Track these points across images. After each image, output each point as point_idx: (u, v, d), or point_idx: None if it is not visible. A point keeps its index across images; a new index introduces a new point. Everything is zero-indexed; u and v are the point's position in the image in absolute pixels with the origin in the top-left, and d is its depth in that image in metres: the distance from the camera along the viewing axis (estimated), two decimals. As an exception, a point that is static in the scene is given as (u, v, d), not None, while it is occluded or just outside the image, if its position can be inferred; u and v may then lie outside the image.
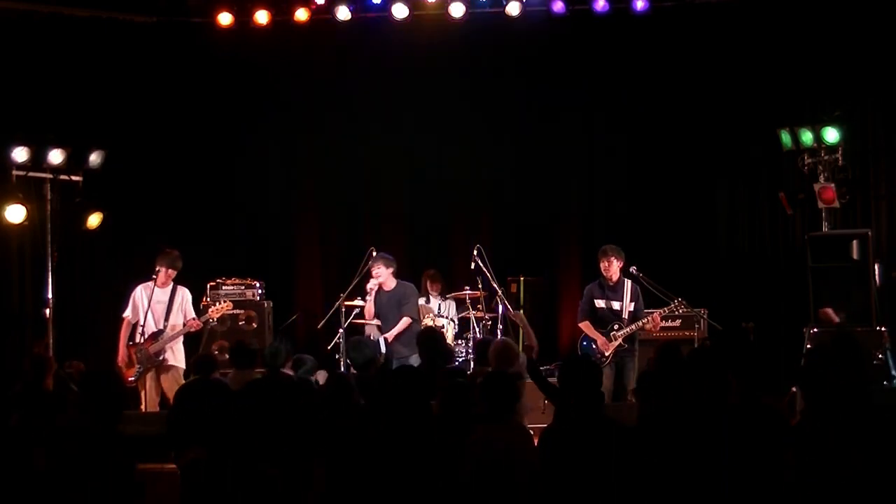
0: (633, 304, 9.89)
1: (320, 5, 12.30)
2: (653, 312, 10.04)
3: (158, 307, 9.95)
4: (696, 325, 10.78)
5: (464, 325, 11.62)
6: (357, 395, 6.27)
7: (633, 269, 10.11)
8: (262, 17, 12.35)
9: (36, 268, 11.48)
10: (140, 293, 9.98)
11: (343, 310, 10.77)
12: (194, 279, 10.54)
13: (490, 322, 11.25)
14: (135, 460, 5.69)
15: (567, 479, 5.06)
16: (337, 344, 10.68)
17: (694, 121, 12.37)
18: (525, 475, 5.26)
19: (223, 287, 11.65)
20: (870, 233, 10.70)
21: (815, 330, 10.15)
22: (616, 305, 9.88)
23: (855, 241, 10.53)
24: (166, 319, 9.93)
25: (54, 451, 5.72)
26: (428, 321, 10.88)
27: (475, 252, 10.81)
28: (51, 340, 10.69)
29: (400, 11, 12.16)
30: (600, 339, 9.73)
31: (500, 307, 10.80)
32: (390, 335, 9.94)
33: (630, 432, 5.27)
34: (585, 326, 9.92)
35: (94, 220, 11.22)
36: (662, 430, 5.23)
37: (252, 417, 5.95)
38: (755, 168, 12.28)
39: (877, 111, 11.86)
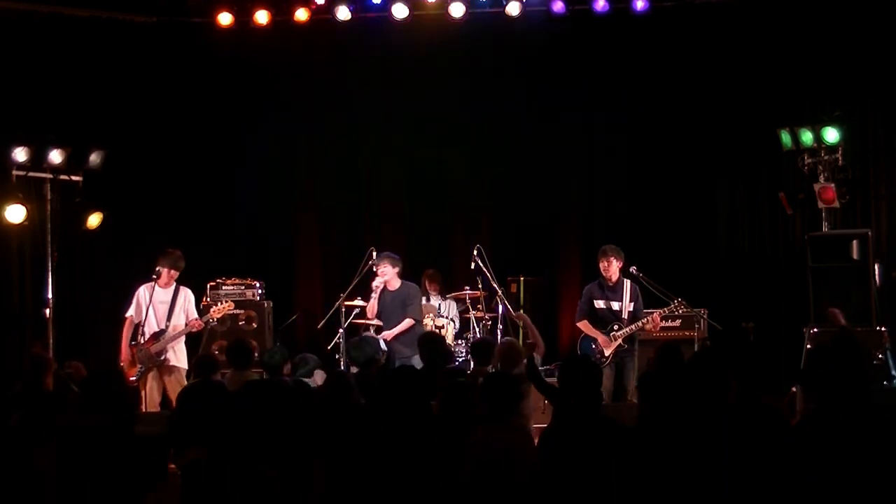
0: (632, 304, 9.89)
1: (320, 5, 12.31)
2: (653, 312, 10.04)
3: (161, 307, 9.96)
4: (696, 325, 10.78)
5: (464, 324, 11.63)
6: (357, 395, 6.27)
7: (632, 269, 10.12)
8: (262, 17, 12.35)
9: (36, 268, 11.48)
10: (143, 293, 9.98)
11: (343, 310, 10.77)
12: (194, 279, 10.53)
13: (490, 322, 11.25)
14: (164, 458, 5.75)
15: (567, 479, 5.06)
16: (337, 344, 10.68)
17: (694, 121, 12.37)
18: (525, 475, 5.26)
19: (223, 287, 11.66)
20: (870, 233, 10.71)
21: (815, 330, 10.16)
22: (616, 306, 9.88)
23: (855, 241, 10.53)
24: (168, 319, 9.93)
25: (69, 451, 5.72)
26: (428, 320, 10.88)
27: (475, 252, 10.81)
28: (51, 340, 10.69)
29: (400, 11, 12.16)
30: (601, 338, 9.73)
31: (500, 307, 10.81)
32: (390, 334, 9.94)
33: (630, 432, 5.27)
34: (584, 325, 9.92)
35: (94, 220, 11.22)
36: (662, 430, 5.22)
37: (251, 418, 5.94)
38: (755, 168, 12.28)
39: (877, 111, 11.85)
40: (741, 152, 12.25)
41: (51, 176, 10.88)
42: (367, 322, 10.92)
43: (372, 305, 10.17)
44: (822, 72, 11.82)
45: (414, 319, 10.04)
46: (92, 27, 12.41)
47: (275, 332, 11.69)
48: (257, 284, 11.77)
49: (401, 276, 10.21)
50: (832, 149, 10.92)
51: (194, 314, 10.05)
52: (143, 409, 9.73)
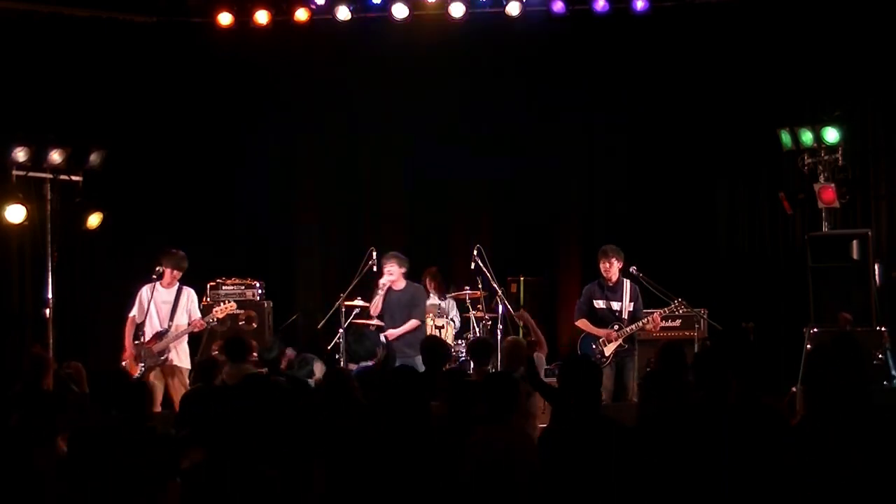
0: (632, 304, 9.89)
1: (320, 5, 12.30)
2: (653, 312, 10.04)
3: (164, 307, 9.99)
4: (696, 325, 10.77)
5: (464, 324, 11.62)
6: (356, 392, 6.26)
7: (632, 269, 10.11)
8: (262, 17, 12.35)
9: (36, 268, 11.47)
10: (145, 293, 10.00)
11: (343, 310, 10.77)
12: (194, 279, 10.54)
13: (490, 322, 11.25)
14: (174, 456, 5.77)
15: (567, 479, 5.06)
16: (337, 344, 10.68)
17: (694, 121, 12.37)
18: (525, 476, 5.25)
19: (223, 287, 11.66)
20: (870, 233, 10.71)
21: (815, 330, 10.16)
22: (616, 306, 9.88)
23: (855, 241, 10.53)
24: (171, 319, 9.96)
25: (82, 450, 5.73)
26: (428, 320, 10.87)
27: (475, 252, 10.80)
28: (51, 340, 10.69)
29: (400, 11, 12.16)
30: (602, 332, 9.72)
31: (500, 307, 10.80)
32: (395, 333, 9.92)
33: (630, 432, 5.27)
34: (583, 324, 9.92)
35: (94, 220, 11.21)
36: (662, 430, 5.22)
37: (251, 418, 5.94)
38: (755, 168, 12.28)
39: (877, 111, 11.86)
40: (741, 152, 12.25)
41: (51, 176, 10.87)
42: (368, 322, 10.91)
43: (376, 303, 10.14)
44: (822, 72, 11.82)
45: (420, 321, 10.04)
46: (92, 27, 12.41)
47: (275, 332, 11.68)
48: (257, 284, 11.77)
49: (406, 276, 10.20)
50: (832, 149, 10.92)
51: (197, 314, 10.06)
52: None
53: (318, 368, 9.22)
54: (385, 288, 10.06)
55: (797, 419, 5.59)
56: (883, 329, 10.05)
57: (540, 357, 8.58)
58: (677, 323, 10.99)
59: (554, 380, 7.66)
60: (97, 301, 12.29)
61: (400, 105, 12.92)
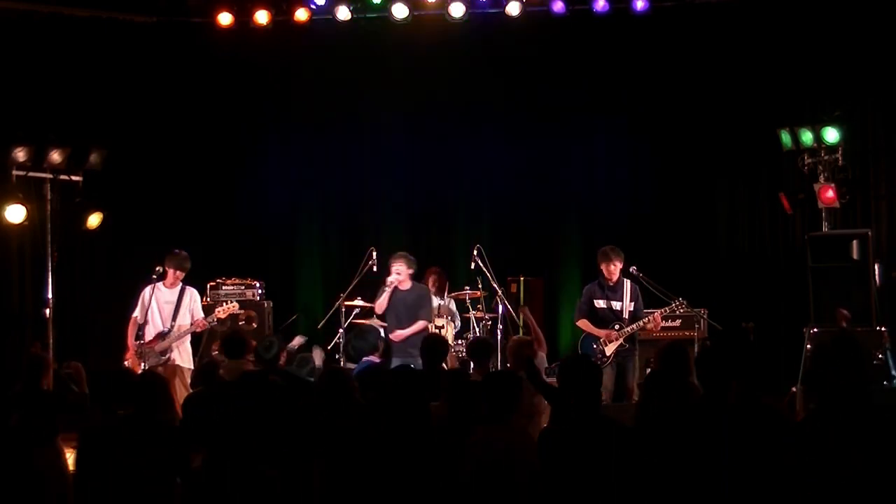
0: (632, 304, 9.88)
1: (320, 5, 12.30)
2: (653, 312, 10.03)
3: (166, 307, 10.00)
4: (696, 325, 10.78)
5: (464, 325, 11.62)
6: (355, 392, 6.25)
7: (632, 269, 10.11)
8: (262, 17, 12.34)
9: (36, 268, 11.48)
10: (148, 293, 10.01)
11: (343, 310, 10.77)
12: (194, 279, 10.53)
13: (490, 322, 11.25)
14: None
15: (566, 479, 5.06)
16: (337, 344, 10.68)
17: (694, 121, 12.38)
18: (525, 476, 5.25)
19: (223, 287, 11.67)
20: (870, 233, 10.72)
21: (815, 330, 10.16)
22: (616, 305, 9.87)
23: (855, 241, 10.54)
24: (173, 319, 9.97)
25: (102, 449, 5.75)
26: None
27: (475, 252, 10.80)
28: (51, 340, 10.69)
29: (400, 11, 12.15)
30: (602, 333, 9.72)
31: (500, 307, 10.80)
32: (402, 335, 9.83)
33: (630, 432, 5.26)
34: (583, 324, 9.91)
35: (94, 220, 11.21)
36: (662, 430, 5.22)
37: (250, 419, 5.96)
38: (755, 168, 12.28)
39: (877, 111, 11.86)
40: (741, 152, 12.25)
41: (51, 176, 10.86)
42: (368, 322, 10.91)
43: (382, 301, 10.06)
44: (822, 72, 11.83)
45: (427, 322, 10.04)
46: (92, 27, 12.41)
47: (275, 332, 11.67)
48: (257, 284, 11.78)
49: (412, 278, 10.19)
50: (832, 149, 10.93)
51: (200, 314, 10.08)
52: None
53: (318, 356, 9.23)
54: (392, 286, 10.01)
55: (797, 419, 5.59)
56: (883, 329, 10.05)
57: (542, 356, 8.56)
58: (677, 323, 11.00)
59: (554, 379, 7.66)
60: (97, 301, 12.30)
61: (400, 105, 12.93)
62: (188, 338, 10.08)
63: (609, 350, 9.72)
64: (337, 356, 10.59)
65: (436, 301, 11.72)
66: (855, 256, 10.51)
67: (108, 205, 11.40)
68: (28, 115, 11.75)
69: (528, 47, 12.51)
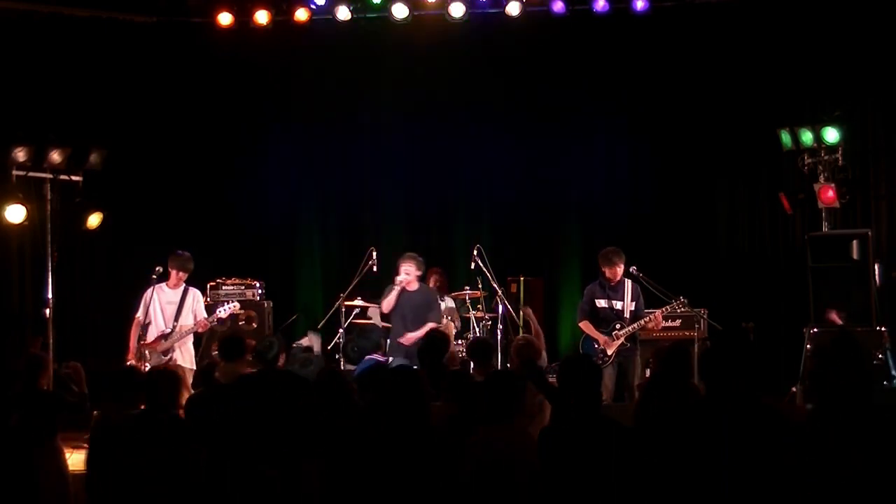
0: (633, 303, 9.88)
1: (320, 5, 12.30)
2: (654, 311, 10.02)
3: (169, 308, 10.03)
4: (696, 325, 10.77)
5: (464, 324, 11.62)
6: (353, 393, 6.24)
7: (632, 269, 10.10)
8: (262, 17, 12.34)
9: (36, 268, 11.47)
10: (152, 294, 10.04)
11: (343, 310, 10.77)
12: (194, 279, 10.53)
13: (490, 322, 11.25)
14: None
15: (566, 479, 5.05)
16: (337, 344, 10.68)
17: (694, 121, 12.38)
18: (525, 476, 5.25)
19: (223, 287, 11.68)
20: (870, 233, 10.72)
21: (815, 330, 10.16)
22: (618, 305, 9.87)
23: (855, 241, 10.54)
24: (176, 320, 10.00)
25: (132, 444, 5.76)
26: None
27: (475, 252, 10.80)
28: (51, 340, 10.68)
29: (400, 11, 12.15)
30: (602, 339, 9.72)
31: (500, 307, 10.80)
32: (413, 337, 9.76)
33: (629, 432, 5.26)
34: (585, 326, 9.90)
35: (94, 220, 11.20)
36: (662, 430, 5.22)
37: (250, 419, 5.96)
38: (755, 168, 12.28)
39: (877, 111, 11.86)
40: (741, 152, 12.25)
41: (51, 176, 10.84)
42: (367, 322, 10.92)
43: (390, 301, 9.99)
44: (822, 72, 11.83)
45: (437, 324, 10.04)
46: (92, 27, 12.41)
47: (275, 332, 11.67)
48: (257, 284, 11.78)
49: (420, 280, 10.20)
50: (832, 149, 10.93)
51: (203, 314, 10.10)
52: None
53: (315, 341, 9.24)
54: (402, 286, 9.97)
55: (797, 418, 5.58)
56: (883, 329, 10.06)
57: (543, 356, 8.56)
58: (677, 323, 11.00)
59: (554, 379, 7.66)
60: (97, 301, 12.30)
61: (400, 105, 12.93)
62: (190, 338, 10.10)
63: (610, 349, 9.72)
64: (337, 356, 10.60)
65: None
66: (855, 256, 10.52)
67: (108, 205, 11.39)
68: (28, 115, 11.74)
69: (528, 47, 12.51)
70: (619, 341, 9.72)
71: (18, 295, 12.02)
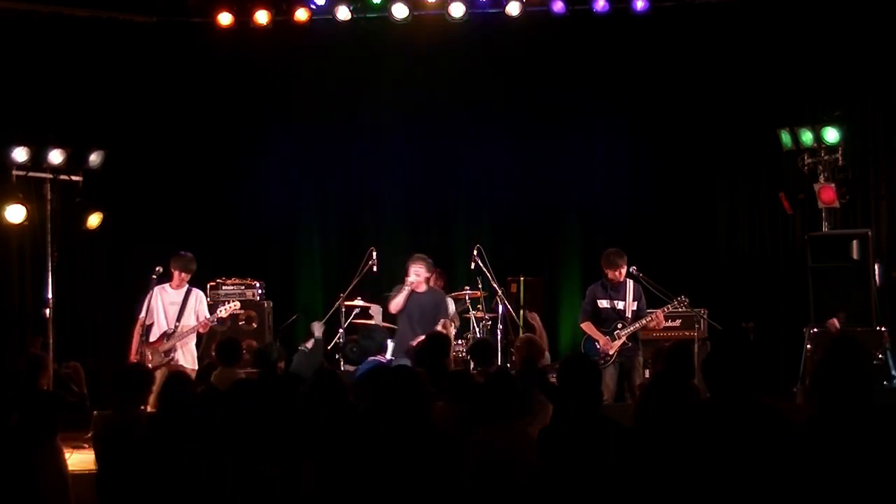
0: (635, 303, 9.88)
1: (320, 5, 12.30)
2: (655, 311, 10.02)
3: (171, 308, 10.08)
4: (696, 325, 10.77)
5: (464, 324, 11.62)
6: (348, 393, 6.24)
7: (632, 269, 10.10)
8: (262, 17, 12.33)
9: (36, 268, 11.47)
10: (155, 294, 10.08)
11: (343, 310, 10.77)
12: (195, 279, 10.54)
13: (490, 322, 11.25)
14: None
15: (566, 479, 5.05)
16: (337, 344, 10.68)
17: (694, 121, 12.38)
18: (525, 476, 5.25)
19: (223, 287, 11.67)
20: (870, 233, 10.73)
21: (815, 330, 10.17)
22: (620, 305, 9.87)
23: (855, 241, 10.55)
24: (178, 320, 10.04)
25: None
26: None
27: (475, 252, 10.80)
28: (51, 340, 10.69)
29: (400, 11, 12.15)
30: (602, 339, 9.72)
31: (500, 307, 10.80)
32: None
33: (629, 432, 5.26)
34: (587, 327, 9.90)
35: (94, 220, 11.21)
36: (662, 430, 5.22)
37: (250, 418, 5.96)
38: (755, 168, 12.29)
39: (877, 111, 11.87)
40: (741, 152, 12.26)
41: (51, 176, 10.84)
42: (367, 322, 10.93)
43: (399, 301, 9.98)
44: (822, 72, 11.84)
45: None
46: (92, 27, 12.41)
47: (275, 332, 11.69)
48: (257, 284, 11.78)
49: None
50: (832, 149, 10.93)
51: (205, 314, 10.12)
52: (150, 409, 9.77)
53: (318, 329, 9.26)
54: (413, 287, 9.97)
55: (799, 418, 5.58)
56: (883, 329, 10.06)
57: (546, 356, 8.57)
58: (677, 323, 11.00)
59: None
60: (97, 301, 12.30)
61: (400, 105, 12.93)
62: (193, 339, 10.13)
63: (612, 350, 9.72)
64: (337, 356, 10.60)
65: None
66: (855, 256, 10.52)
67: (108, 205, 11.39)
68: (28, 115, 11.75)
69: (528, 47, 12.51)
70: (621, 341, 9.71)
71: (18, 295, 12.02)
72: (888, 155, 11.81)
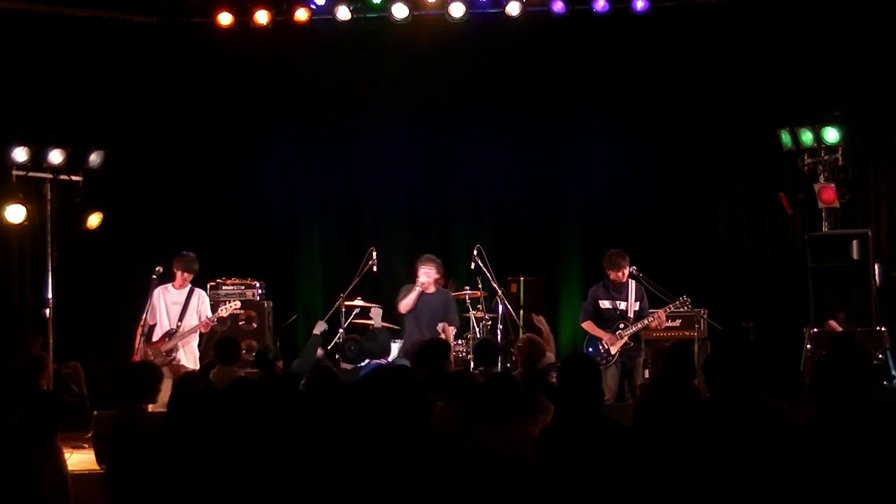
0: (638, 303, 9.89)
1: (320, 5, 12.30)
2: (657, 311, 10.02)
3: (173, 308, 10.14)
4: (696, 325, 10.77)
5: (464, 324, 11.61)
6: (343, 393, 6.24)
7: (632, 269, 10.11)
8: (262, 17, 12.33)
9: (36, 268, 11.47)
10: (158, 294, 10.11)
11: (343, 310, 10.77)
12: (195, 279, 10.54)
13: (490, 322, 11.24)
14: None
15: (566, 479, 5.05)
16: (337, 344, 10.68)
17: (694, 121, 12.37)
18: (525, 476, 5.25)
19: (223, 287, 11.67)
20: (870, 233, 10.73)
21: (815, 330, 10.17)
22: (622, 306, 9.88)
23: (855, 241, 10.54)
24: (180, 320, 10.09)
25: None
26: None
27: (475, 252, 10.80)
28: (51, 340, 10.70)
29: (400, 11, 12.15)
30: (606, 336, 9.72)
31: (500, 307, 10.80)
32: None
33: (629, 433, 5.26)
34: (588, 326, 9.91)
35: (94, 220, 11.21)
36: (662, 430, 5.22)
37: (249, 417, 5.96)
38: (755, 168, 12.28)
39: (877, 111, 11.86)
40: (741, 152, 12.25)
41: (51, 176, 10.85)
42: (367, 322, 10.92)
43: (409, 301, 10.03)
44: (822, 72, 11.83)
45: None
46: (92, 27, 12.40)
47: (275, 331, 11.69)
48: (257, 284, 11.78)
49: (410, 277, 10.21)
50: (832, 149, 10.93)
51: (208, 314, 10.14)
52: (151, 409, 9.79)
53: (319, 328, 9.28)
54: (422, 289, 10.02)
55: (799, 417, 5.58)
56: (883, 329, 10.06)
57: (549, 356, 8.56)
58: (677, 323, 11.00)
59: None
60: (97, 301, 12.30)
61: (400, 105, 12.93)
62: (195, 339, 10.16)
63: (615, 349, 9.72)
64: (336, 356, 10.59)
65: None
66: (855, 256, 10.52)
67: (108, 205, 11.40)
68: (28, 115, 11.74)
69: (528, 47, 12.50)
70: (623, 340, 9.72)
71: (18, 295, 12.02)
72: (888, 155, 11.80)
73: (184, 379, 6.52)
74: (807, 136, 10.97)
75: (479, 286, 11.00)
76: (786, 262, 12.02)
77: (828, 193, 10.85)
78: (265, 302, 11.75)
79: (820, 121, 11.04)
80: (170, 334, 10.03)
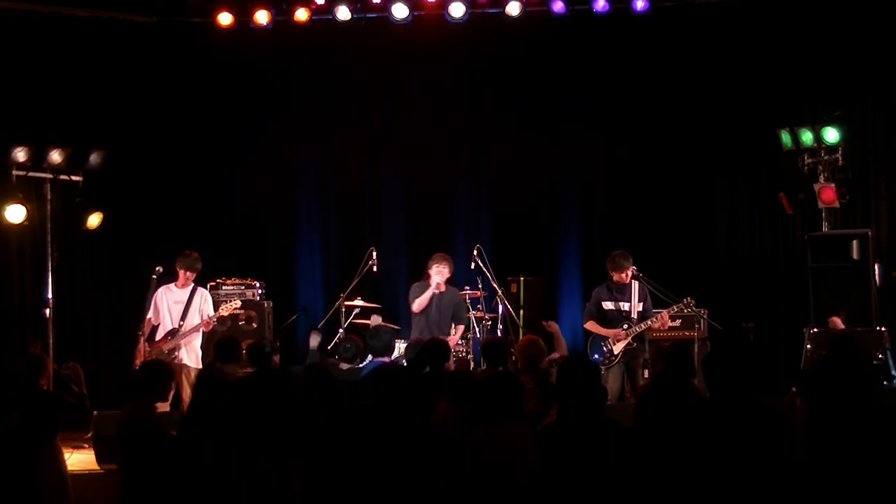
0: (641, 304, 9.90)
1: (320, 5, 12.30)
2: (660, 311, 10.01)
3: (176, 307, 10.18)
4: (696, 325, 10.76)
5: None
6: (339, 392, 6.24)
7: (633, 269, 10.10)
8: (262, 17, 12.33)
9: (36, 268, 11.47)
10: (161, 294, 10.15)
11: (343, 310, 10.77)
12: (197, 278, 10.55)
13: (490, 322, 11.24)
14: None
15: (565, 479, 5.05)
16: (337, 344, 10.68)
17: (694, 121, 12.37)
18: (525, 476, 5.25)
19: (223, 287, 11.67)
20: (870, 233, 10.72)
21: (815, 330, 10.16)
22: (625, 306, 9.88)
23: (855, 241, 10.54)
24: (183, 319, 10.12)
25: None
26: None
27: (475, 252, 10.80)
28: (51, 340, 10.70)
29: (400, 11, 12.15)
30: (611, 333, 9.72)
31: (500, 307, 10.80)
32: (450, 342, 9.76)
33: (630, 432, 5.26)
34: (591, 326, 9.92)
35: (94, 220, 11.20)
36: (661, 430, 5.22)
37: (250, 413, 5.97)
38: (755, 168, 12.28)
39: (877, 111, 11.86)
40: (741, 152, 12.25)
41: (51, 176, 10.85)
42: (367, 323, 10.92)
43: (423, 301, 10.14)
44: (822, 72, 11.83)
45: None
46: (92, 27, 12.40)
47: (275, 331, 11.69)
48: (257, 284, 11.78)
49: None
50: (832, 149, 10.93)
51: (210, 313, 10.16)
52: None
53: (314, 339, 9.30)
54: (437, 289, 10.08)
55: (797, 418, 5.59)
56: (883, 329, 10.05)
57: (554, 356, 8.56)
58: (677, 323, 10.99)
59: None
60: (97, 301, 12.30)
61: (399, 105, 12.92)
62: (197, 338, 10.18)
63: (617, 349, 9.73)
64: (336, 356, 10.59)
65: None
66: (855, 256, 10.52)
67: (108, 205, 11.39)
68: (28, 115, 11.73)
69: (528, 47, 12.50)
70: (626, 340, 9.72)
71: (18, 295, 12.01)
72: (888, 155, 11.80)
73: (204, 376, 6.50)
74: (807, 136, 10.96)
75: (479, 286, 11.00)
76: (786, 262, 12.02)
77: (828, 193, 10.85)
78: (265, 302, 11.75)
79: (820, 121, 11.03)
80: (172, 333, 10.06)
